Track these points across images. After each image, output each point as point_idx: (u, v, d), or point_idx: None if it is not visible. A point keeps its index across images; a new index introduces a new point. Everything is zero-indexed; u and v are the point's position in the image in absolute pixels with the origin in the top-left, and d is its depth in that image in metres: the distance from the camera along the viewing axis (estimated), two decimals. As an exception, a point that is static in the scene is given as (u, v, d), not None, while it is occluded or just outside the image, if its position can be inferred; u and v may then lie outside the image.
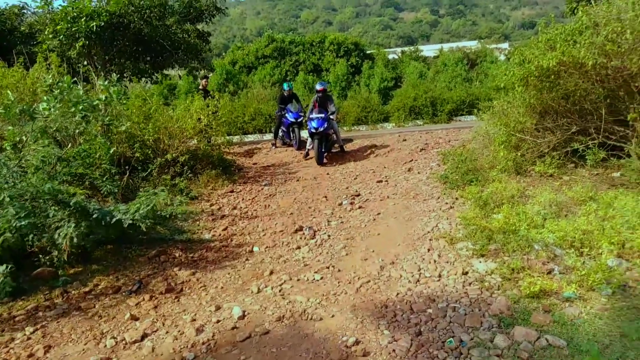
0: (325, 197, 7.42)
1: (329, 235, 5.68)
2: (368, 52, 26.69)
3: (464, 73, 23.59)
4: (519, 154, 6.89)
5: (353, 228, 5.85)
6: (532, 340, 2.94)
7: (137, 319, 3.94)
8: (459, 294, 3.73)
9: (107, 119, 7.42)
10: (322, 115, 9.52)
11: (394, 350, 3.07)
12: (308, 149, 10.28)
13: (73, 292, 4.44)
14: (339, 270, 4.59)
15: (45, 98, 7.37)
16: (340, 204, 6.96)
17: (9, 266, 3.98)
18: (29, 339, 3.68)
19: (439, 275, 4.12)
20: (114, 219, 4.70)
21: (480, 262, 4.20)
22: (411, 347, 3.07)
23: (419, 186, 7.23)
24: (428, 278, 4.11)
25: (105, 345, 3.54)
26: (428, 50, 32.26)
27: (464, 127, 13.04)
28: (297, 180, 8.52)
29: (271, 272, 4.73)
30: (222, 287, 4.50)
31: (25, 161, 5.31)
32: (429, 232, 5.18)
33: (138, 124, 8.05)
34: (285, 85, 11.72)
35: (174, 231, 6.03)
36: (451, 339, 3.10)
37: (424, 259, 4.51)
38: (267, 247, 5.54)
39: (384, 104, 17.67)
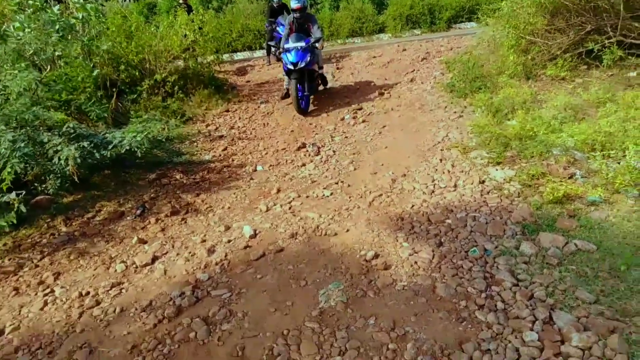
0: (327, 112, 7.11)
1: (334, 151, 5.46)
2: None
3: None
4: (530, 57, 6.52)
5: (359, 142, 5.63)
6: (560, 245, 2.85)
7: (145, 242, 3.83)
8: (477, 203, 3.60)
9: (86, 39, 6.87)
10: (303, 43, 6.64)
11: (415, 262, 2.98)
12: (286, 88, 7.69)
13: (76, 218, 4.29)
14: (349, 186, 4.43)
15: (17, 18, 6.76)
16: (343, 119, 6.68)
17: (21, 193, 3.77)
18: (37, 266, 3.57)
19: (455, 185, 3.98)
20: (110, 146, 4.44)
21: (497, 170, 4.04)
22: (433, 258, 2.98)
23: (424, 96, 6.91)
24: (443, 189, 3.97)
25: (116, 270, 3.44)
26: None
27: (465, 34, 12.41)
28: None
29: (278, 190, 4.57)
30: (229, 207, 4.36)
31: (4, 87, 4.91)
32: (439, 142, 4.98)
33: (120, 44, 7.47)
34: None
35: (172, 153, 5.79)
36: (475, 248, 3.00)
37: (437, 170, 4.34)
38: (270, 165, 5.34)
39: (379, 13, 16.72)
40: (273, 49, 10.20)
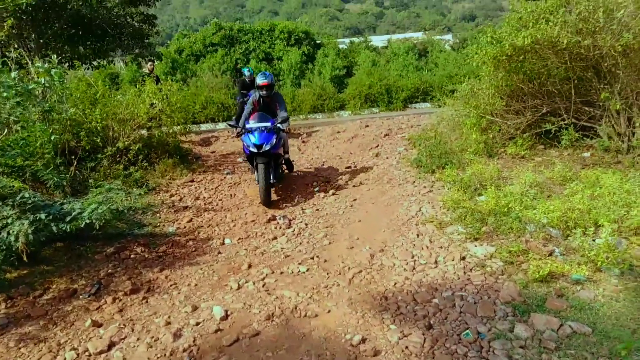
0: (294, 185, 7.03)
1: (306, 224, 5.31)
2: (318, 41, 26.36)
3: (414, 62, 23.86)
4: (490, 135, 6.82)
5: (330, 215, 5.51)
6: (554, 327, 2.73)
7: (100, 326, 3.41)
8: (462, 282, 3.49)
9: (46, 104, 6.63)
10: (268, 124, 5.88)
11: (407, 347, 2.77)
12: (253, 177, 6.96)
13: (19, 297, 3.81)
14: (325, 261, 4.24)
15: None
16: (312, 192, 6.60)
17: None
18: (-33, 357, 3.06)
19: (435, 262, 3.87)
20: (69, 218, 4.09)
21: (475, 246, 3.99)
22: (425, 342, 2.78)
23: (391, 171, 7.00)
24: (424, 265, 3.85)
25: (65, 359, 3.00)
26: (376, 40, 32.46)
27: (421, 113, 13.07)
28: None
29: (249, 266, 4.30)
30: (195, 285, 4.03)
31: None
32: (413, 216, 4.93)
33: (83, 110, 7.25)
34: (245, 70, 10.89)
35: (133, 225, 5.43)
36: (467, 331, 2.83)
37: (414, 245, 4.25)
38: (239, 238, 5.09)
39: (339, 92, 17.47)
40: (232, 128, 9.86)
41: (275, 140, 5.82)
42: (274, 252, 4.65)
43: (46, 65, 6.89)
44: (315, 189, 6.67)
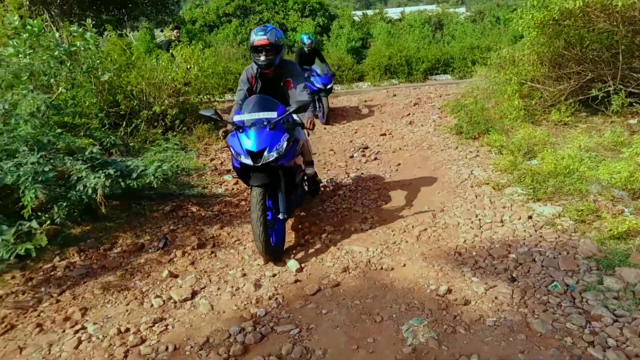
0: (332, 150, 7.03)
1: (355, 187, 5.33)
2: (332, 13, 25.90)
3: (430, 35, 23.48)
4: (533, 102, 6.76)
5: (378, 179, 5.52)
6: (645, 279, 2.77)
7: (176, 276, 3.47)
8: (534, 239, 3.51)
9: (85, 67, 6.59)
10: (272, 114, 3.48)
11: (496, 298, 2.81)
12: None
13: (90, 250, 3.87)
14: (385, 220, 4.27)
15: (11, 42, 6.44)
16: (352, 157, 6.61)
17: (46, 219, 3.38)
18: (58, 301, 3.14)
19: (501, 221, 3.89)
20: (134, 174, 4.12)
21: (540, 206, 4.01)
22: (513, 293, 2.82)
23: (429, 138, 6.97)
24: (490, 224, 3.87)
25: (152, 305, 3.07)
26: (391, 13, 31.85)
27: (444, 84, 12.93)
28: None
29: (309, 224, 4.34)
30: (259, 241, 4.07)
31: (11, 106, 4.53)
32: (465, 179, 4.94)
33: (119, 75, 7.21)
34: (304, 37, 8.64)
35: (182, 186, 5.46)
36: (555, 283, 2.87)
37: (475, 205, 4.27)
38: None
39: (358, 63, 17.28)
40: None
41: (285, 142, 3.40)
42: (331, 211, 4.68)
43: (81, 29, 6.84)
44: (355, 154, 6.66)
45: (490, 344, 2.39)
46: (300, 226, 4.31)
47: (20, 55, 6.31)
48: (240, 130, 3.43)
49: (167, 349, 2.56)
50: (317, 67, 8.52)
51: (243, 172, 3.59)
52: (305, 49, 8.67)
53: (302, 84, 3.86)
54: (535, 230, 3.63)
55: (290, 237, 4.04)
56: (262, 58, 3.70)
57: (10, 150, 3.75)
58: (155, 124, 7.23)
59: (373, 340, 2.50)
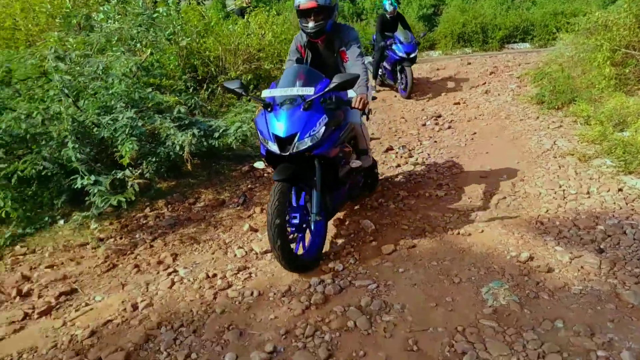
0: (403, 117, 6.93)
1: (428, 154, 5.26)
2: (403, -23, 24.94)
3: (509, 0, 22.08)
4: (627, 70, 6.24)
5: (452, 147, 5.40)
6: None
7: (256, 231, 3.64)
8: (625, 211, 3.33)
9: (167, 32, 6.88)
10: (310, 89, 2.74)
11: (582, 267, 2.72)
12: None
13: (176, 204, 4.15)
14: (461, 187, 4.20)
15: (102, 9, 6.84)
16: (424, 125, 6.48)
17: (139, 170, 3.68)
18: (151, 246, 3.42)
19: (588, 192, 3.71)
20: (217, 134, 4.33)
21: (632, 179, 3.77)
22: (601, 264, 2.71)
23: (507, 107, 6.67)
24: (575, 195, 3.70)
25: (235, 255, 3.26)
26: (465, -24, 30.16)
27: (524, 52, 12.20)
28: (365, 103, 7.96)
29: (383, 188, 4.37)
30: (333, 202, 4.16)
31: (105, 68, 4.86)
32: (548, 150, 4.72)
33: (198, 40, 7.47)
34: (386, 3, 7.94)
35: (257, 149, 5.64)
36: (650, 254, 2.73)
37: (558, 176, 4.08)
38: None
39: (430, 30, 16.67)
40: (381, 71, 8.50)
41: (323, 127, 2.75)
42: (402, 178, 4.67)
43: (163, -5, 7.13)
44: (427, 122, 6.53)
45: (576, 310, 2.34)
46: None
47: (109, 21, 6.71)
48: (269, 109, 2.81)
49: (252, 294, 2.72)
50: (399, 34, 7.78)
51: (273, 160, 2.93)
52: (388, 15, 7.99)
53: (356, 52, 3.22)
54: (627, 203, 3.43)
55: (364, 200, 4.09)
56: (311, 24, 3.11)
57: (107, 106, 4.06)
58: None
59: (452, 300, 2.52)
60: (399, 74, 7.95)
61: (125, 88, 4.24)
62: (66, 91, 3.65)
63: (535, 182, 4.05)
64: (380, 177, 4.73)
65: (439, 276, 2.77)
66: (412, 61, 7.75)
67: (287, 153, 2.70)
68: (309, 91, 2.73)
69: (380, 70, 8.47)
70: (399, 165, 5.02)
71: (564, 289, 2.54)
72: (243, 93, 2.94)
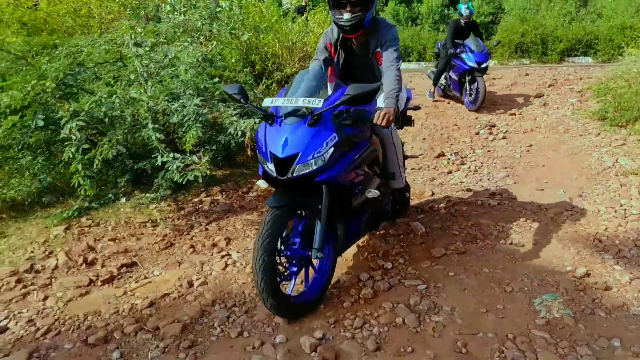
0: (456, 125, 6.85)
1: (481, 163, 5.19)
2: (464, -17, 24.49)
3: (574, 11, 21.27)
4: None
5: (507, 158, 5.31)
6: None
7: (306, 224, 3.72)
8: (693, 234, 3.19)
9: (229, 27, 7.11)
10: (317, 101, 2.20)
11: (643, 287, 2.64)
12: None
13: (230, 191, 4.30)
14: (515, 199, 4.13)
15: (169, 1, 7.14)
16: (477, 133, 6.39)
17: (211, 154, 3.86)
18: (206, 229, 3.57)
19: (652, 213, 3.57)
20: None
21: (702, 203, 3.59)
22: (666, 286, 2.62)
23: (566, 121, 6.46)
24: (637, 215, 3.56)
25: (286, 245, 3.35)
26: (528, -14, 29.31)
27: (586, 67, 11.74)
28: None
29: (433, 193, 4.36)
30: (383, 203, 4.19)
31: (174, 58, 5.09)
32: (609, 167, 4.55)
33: (257, 36, 7.67)
34: (461, 7, 7.41)
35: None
36: None
37: (619, 195, 3.94)
38: (412, 168, 5.15)
39: (486, 39, 16.33)
40: (444, 80, 7.89)
41: (331, 148, 2.27)
42: (453, 184, 4.64)
43: (226, -10, 7.36)
44: (481, 131, 6.43)
45: (635, 331, 2.27)
46: (416, 190, 4.34)
47: (175, 13, 7.01)
48: (270, 122, 2.34)
49: (301, 282, 2.79)
50: (470, 41, 7.23)
51: (273, 182, 2.44)
52: (462, 21, 7.44)
53: (392, 56, 2.67)
54: (696, 227, 3.28)
55: (412, 202, 4.09)
56: (346, 16, 2.59)
57: (173, 93, 4.26)
58: (284, 85, 7.60)
59: (502, 307, 2.50)
60: (467, 85, 7.36)
61: (191, 77, 4.43)
62: (145, 76, 3.86)
63: (594, 199, 3.93)
64: (430, 182, 4.72)
65: (490, 283, 2.75)
66: (483, 71, 7.17)
67: (284, 178, 2.22)
68: (317, 103, 2.20)
69: (444, 79, 7.92)
70: (450, 172, 4.99)
71: (622, 309, 2.46)
72: (241, 100, 2.45)
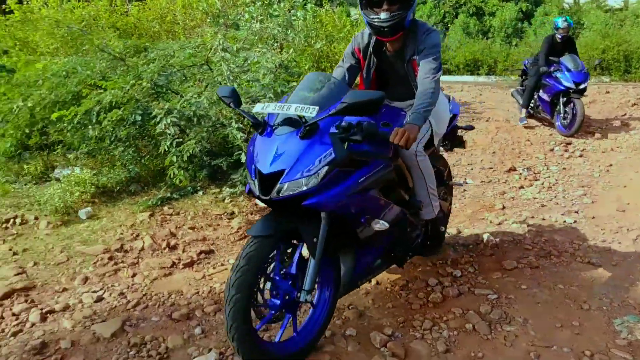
0: (529, 140, 6.65)
1: (556, 180, 5.01)
2: (539, -2, 23.78)
3: (662, 28, 19.93)
4: None
5: (584, 176, 5.09)
6: None
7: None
8: None
9: (302, 35, 7.35)
10: (312, 109, 1.79)
11: None
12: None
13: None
14: (593, 218, 3.96)
15: (248, 9, 7.51)
16: (552, 150, 6.17)
17: None
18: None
19: None
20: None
21: None
22: None
23: (651, 142, 6.10)
24: None
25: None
26: (610, 1, 27.81)
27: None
28: (487, 120, 7.76)
29: (503, 207, 4.28)
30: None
31: (254, 63, 5.35)
32: (701, 192, 4.27)
33: (329, 44, 7.88)
34: (558, 21, 6.78)
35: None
36: None
37: None
38: (482, 181, 5.08)
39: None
40: (534, 102, 7.28)
41: (325, 166, 1.86)
42: (526, 199, 4.52)
43: (302, 0, 7.64)
44: (555, 148, 6.20)
45: None
46: (486, 203, 4.27)
47: (253, 21, 7.35)
48: (260, 131, 2.02)
49: (370, 282, 2.86)
50: (567, 59, 6.55)
51: (265, 202, 2.02)
52: (558, 36, 6.76)
53: (430, 66, 2.24)
54: None
55: (481, 214, 4.03)
56: (383, 15, 2.19)
57: (251, 96, 4.50)
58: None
59: (579, 324, 2.43)
60: (561, 107, 6.65)
61: (269, 81, 4.66)
62: (232, 78, 4.12)
63: (682, 224, 3.70)
64: (501, 196, 4.63)
65: (565, 299, 2.68)
66: (581, 93, 6.49)
67: (267, 198, 1.87)
68: (311, 111, 1.82)
69: (534, 100, 7.29)
70: (522, 187, 4.86)
71: None
72: (231, 105, 2.12)
